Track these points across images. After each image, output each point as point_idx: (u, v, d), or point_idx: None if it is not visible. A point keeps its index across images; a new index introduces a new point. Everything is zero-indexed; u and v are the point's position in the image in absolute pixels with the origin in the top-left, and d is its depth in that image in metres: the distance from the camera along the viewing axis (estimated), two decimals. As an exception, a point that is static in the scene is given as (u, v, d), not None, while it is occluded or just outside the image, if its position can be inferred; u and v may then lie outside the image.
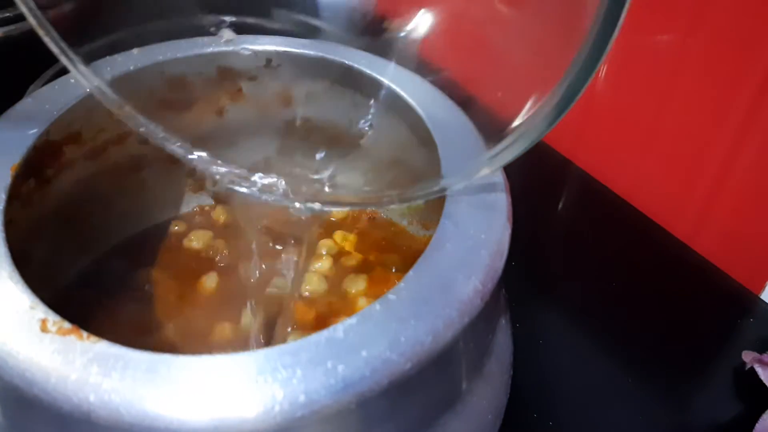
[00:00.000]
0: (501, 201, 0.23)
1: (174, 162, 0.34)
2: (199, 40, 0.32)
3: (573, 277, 0.40)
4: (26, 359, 0.18)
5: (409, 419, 0.21)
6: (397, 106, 0.28)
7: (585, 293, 0.39)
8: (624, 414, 0.32)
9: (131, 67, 0.29)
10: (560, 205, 0.45)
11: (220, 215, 0.35)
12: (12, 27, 0.50)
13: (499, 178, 0.24)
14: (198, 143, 0.34)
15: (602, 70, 0.43)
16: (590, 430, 0.32)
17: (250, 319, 0.29)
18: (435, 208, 0.23)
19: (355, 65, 0.30)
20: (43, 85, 0.44)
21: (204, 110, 0.33)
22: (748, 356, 0.34)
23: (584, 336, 0.36)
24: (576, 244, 0.43)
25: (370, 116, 0.33)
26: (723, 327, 0.38)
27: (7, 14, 0.50)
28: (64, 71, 0.44)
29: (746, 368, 0.34)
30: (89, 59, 0.22)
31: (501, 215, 0.23)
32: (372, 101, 0.32)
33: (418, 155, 0.32)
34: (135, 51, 0.30)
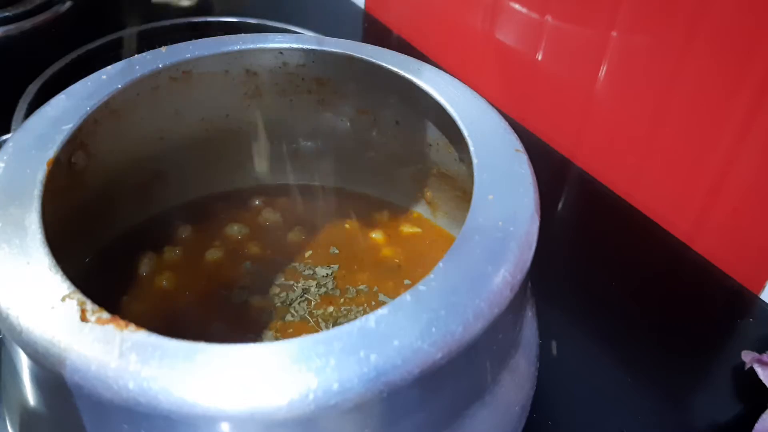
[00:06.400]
0: (528, 193, 0.23)
1: (193, 153, 0.34)
2: (225, 38, 0.32)
3: (573, 276, 0.40)
4: (67, 348, 0.18)
5: (439, 409, 0.21)
6: (424, 103, 0.29)
7: (585, 293, 0.39)
8: (624, 414, 0.32)
9: (160, 65, 0.30)
10: (560, 205, 0.45)
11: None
12: (11, 27, 0.50)
13: (526, 170, 0.24)
14: (222, 139, 0.35)
15: (603, 70, 0.43)
16: (590, 430, 0.32)
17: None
18: (463, 201, 0.23)
19: (383, 63, 0.30)
20: (42, 84, 0.45)
21: (228, 107, 0.34)
22: (747, 356, 0.34)
23: (584, 336, 0.36)
24: (576, 244, 0.43)
25: (396, 113, 0.33)
26: (723, 327, 0.38)
27: (7, 14, 0.50)
28: (63, 71, 0.44)
29: (746, 368, 0.34)
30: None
31: (529, 207, 0.23)
32: (399, 98, 0.32)
33: (445, 152, 0.32)
34: (162, 49, 0.31)
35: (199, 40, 0.31)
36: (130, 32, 0.53)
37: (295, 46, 0.32)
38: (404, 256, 0.33)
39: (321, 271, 0.32)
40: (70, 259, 0.26)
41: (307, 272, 0.32)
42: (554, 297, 0.37)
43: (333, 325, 0.30)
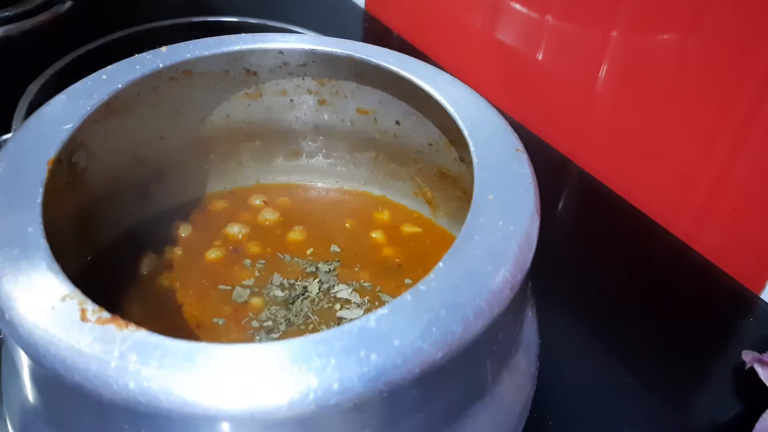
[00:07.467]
0: (529, 193, 0.23)
1: (193, 153, 0.34)
2: (225, 38, 0.32)
3: (573, 276, 0.40)
4: (67, 347, 0.18)
5: (439, 408, 0.21)
6: (424, 103, 0.29)
7: (585, 293, 0.39)
8: (624, 414, 0.32)
9: (160, 65, 0.30)
10: (560, 205, 0.45)
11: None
12: (11, 26, 0.50)
13: (527, 170, 0.24)
14: (222, 139, 0.35)
15: (603, 70, 0.43)
16: (590, 430, 0.32)
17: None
18: (463, 201, 0.23)
19: (383, 63, 0.30)
20: (43, 84, 0.45)
21: (228, 107, 0.34)
22: (747, 356, 0.34)
23: (584, 336, 0.36)
24: (576, 244, 0.42)
25: (396, 113, 0.33)
26: (723, 327, 0.38)
27: (7, 14, 0.51)
28: (63, 71, 0.44)
29: (746, 368, 0.34)
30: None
31: (529, 207, 0.23)
32: (399, 98, 0.32)
33: (445, 152, 0.32)
34: (162, 49, 0.31)
35: (199, 40, 0.31)
36: (130, 32, 0.53)
37: (295, 46, 0.32)
38: (405, 256, 0.33)
39: (323, 267, 0.32)
40: (70, 259, 0.26)
41: (309, 269, 0.32)
42: (554, 297, 0.37)
43: (334, 325, 0.30)
